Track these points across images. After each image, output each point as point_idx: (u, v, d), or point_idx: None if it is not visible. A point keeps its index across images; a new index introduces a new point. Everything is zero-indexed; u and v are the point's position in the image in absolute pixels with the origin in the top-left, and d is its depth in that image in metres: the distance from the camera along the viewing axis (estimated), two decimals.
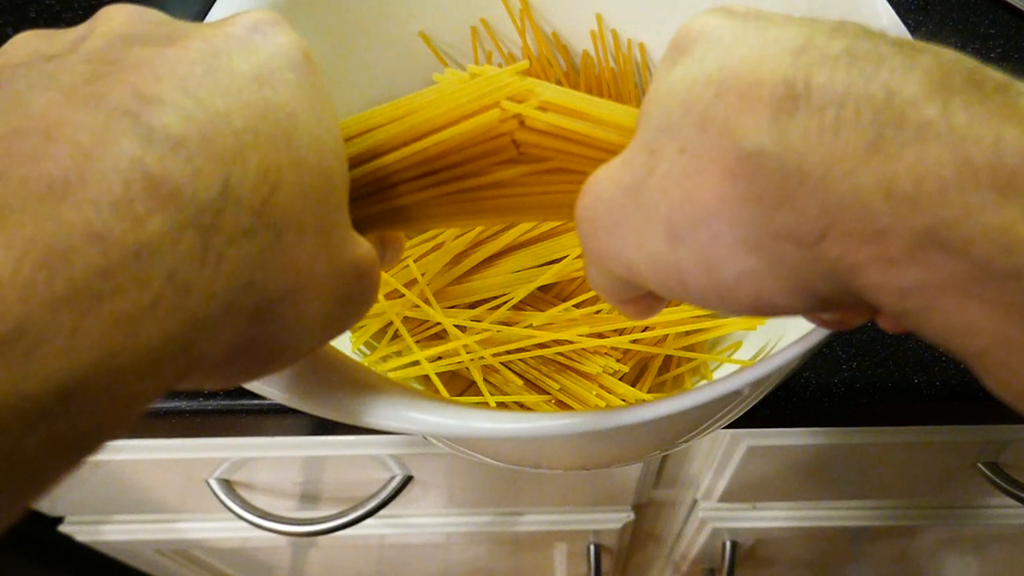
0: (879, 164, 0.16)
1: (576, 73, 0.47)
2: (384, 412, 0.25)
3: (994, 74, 0.16)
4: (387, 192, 0.24)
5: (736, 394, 0.26)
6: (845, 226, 0.16)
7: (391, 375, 0.39)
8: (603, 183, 0.21)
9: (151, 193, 0.15)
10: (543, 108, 0.23)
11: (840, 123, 0.16)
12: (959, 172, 0.15)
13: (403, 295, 0.41)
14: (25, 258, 0.13)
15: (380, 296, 0.42)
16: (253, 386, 0.25)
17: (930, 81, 0.16)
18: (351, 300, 0.21)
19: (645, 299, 0.23)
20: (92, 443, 0.15)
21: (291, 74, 0.19)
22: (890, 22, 0.31)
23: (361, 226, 0.23)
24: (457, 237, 0.42)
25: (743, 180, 0.17)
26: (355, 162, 0.24)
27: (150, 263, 0.15)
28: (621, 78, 0.46)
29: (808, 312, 0.19)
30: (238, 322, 0.17)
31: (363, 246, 0.21)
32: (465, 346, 0.39)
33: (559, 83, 0.47)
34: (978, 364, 0.17)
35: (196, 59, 0.17)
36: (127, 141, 0.15)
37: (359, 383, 0.26)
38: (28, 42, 0.18)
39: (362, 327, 0.41)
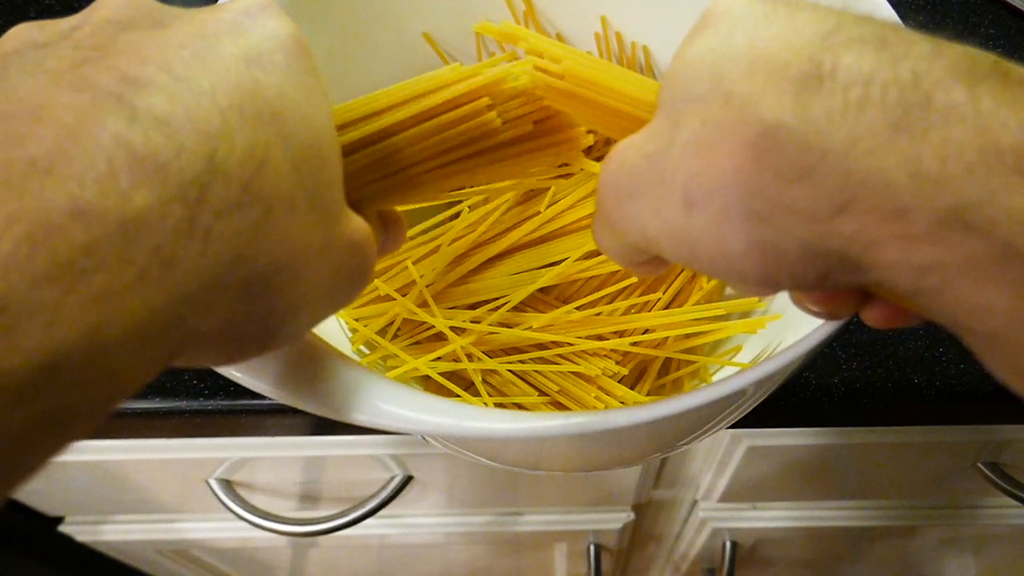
0: (905, 144, 0.16)
1: None
2: (382, 411, 0.25)
3: (1017, 67, 0.17)
4: (382, 168, 0.24)
5: (735, 396, 0.26)
6: (865, 202, 0.16)
7: (390, 375, 0.39)
8: (628, 151, 0.21)
9: (135, 169, 0.15)
10: (559, 75, 0.24)
11: (865, 102, 0.17)
12: (985, 155, 0.15)
13: (403, 295, 0.41)
14: (6, 234, 0.13)
15: (383, 290, 0.42)
16: (252, 385, 0.25)
17: (957, 67, 0.16)
18: (347, 276, 0.21)
19: (652, 261, 0.24)
20: (81, 421, 0.15)
21: (281, 55, 0.19)
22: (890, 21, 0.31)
23: (359, 204, 0.23)
24: (454, 241, 0.42)
25: (762, 153, 0.17)
26: (349, 143, 0.24)
27: (135, 238, 0.15)
28: None
29: (806, 290, 0.19)
30: (229, 297, 0.17)
31: (358, 223, 0.22)
32: (467, 353, 0.39)
33: None
34: (988, 346, 0.17)
35: (184, 42, 0.17)
36: (111, 120, 0.15)
37: (356, 382, 0.26)
38: (23, 32, 0.18)
39: (365, 326, 0.41)
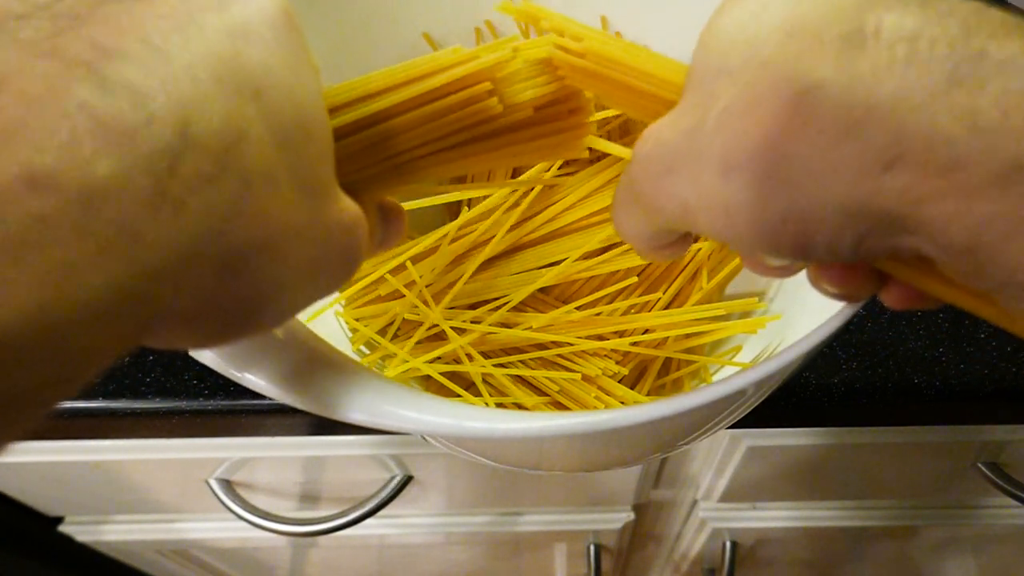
0: (961, 97, 0.16)
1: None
2: (382, 411, 0.25)
3: None
4: (378, 153, 0.24)
5: (735, 396, 0.26)
6: (918, 157, 0.16)
7: (389, 374, 0.39)
8: (663, 129, 0.21)
9: (100, 137, 0.14)
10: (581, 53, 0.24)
11: (913, 57, 0.17)
12: None
13: (403, 296, 0.41)
14: None
15: (383, 290, 0.42)
16: (252, 385, 0.25)
17: (1005, 23, 0.17)
18: (334, 259, 0.21)
19: (674, 244, 0.24)
20: (39, 400, 0.14)
21: (267, 30, 0.18)
22: None
23: (354, 190, 0.23)
24: (454, 240, 0.42)
25: (804, 112, 0.17)
26: (343, 126, 0.23)
27: (97, 209, 0.14)
28: None
29: (840, 258, 0.19)
30: (204, 274, 0.16)
31: (348, 205, 0.21)
32: (467, 354, 0.39)
33: None
34: None
35: (166, 13, 0.17)
36: (79, 88, 0.15)
37: (356, 382, 0.26)
38: (2, 4, 0.17)
39: (365, 326, 0.41)
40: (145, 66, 0.15)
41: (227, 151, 0.16)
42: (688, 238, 0.25)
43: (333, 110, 0.23)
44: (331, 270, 0.21)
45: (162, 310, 0.16)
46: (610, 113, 0.43)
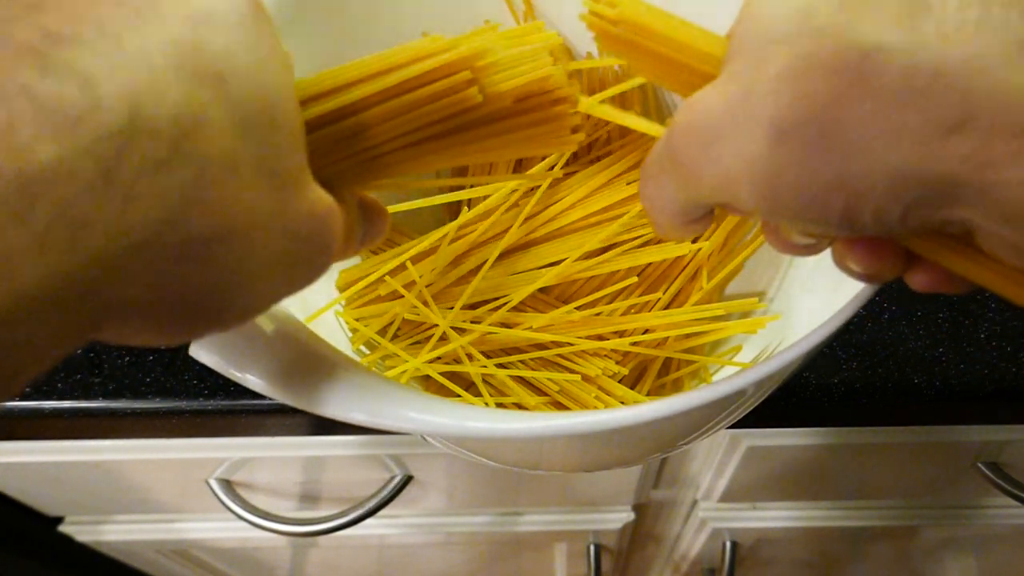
0: None
1: (579, 74, 0.47)
2: (382, 411, 0.25)
3: None
4: (353, 145, 0.23)
5: (735, 396, 0.26)
6: (986, 120, 0.16)
7: (389, 375, 0.39)
8: (708, 97, 0.21)
9: (41, 122, 0.14)
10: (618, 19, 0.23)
11: (984, 21, 0.16)
12: None
13: (403, 296, 0.41)
14: None
15: (383, 290, 0.42)
16: (251, 385, 0.25)
17: None
18: (306, 251, 0.20)
19: (701, 219, 0.24)
20: None
21: (232, 17, 0.18)
22: None
23: (331, 183, 0.22)
24: (454, 240, 0.42)
25: (865, 76, 0.17)
26: (317, 117, 0.23)
27: (36, 196, 0.14)
28: (625, 80, 0.46)
29: (885, 229, 0.19)
30: (160, 264, 0.16)
31: (320, 195, 0.21)
32: (467, 354, 0.39)
33: None
34: None
35: (124, 0, 0.16)
36: (21, 73, 0.14)
37: (356, 382, 0.26)
38: None
39: (365, 326, 0.41)
40: (96, 52, 0.15)
41: (182, 137, 0.16)
42: (711, 215, 0.24)
43: (306, 101, 0.22)
44: (301, 262, 0.20)
45: (114, 301, 0.16)
46: (634, 83, 0.42)
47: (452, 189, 0.45)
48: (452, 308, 0.41)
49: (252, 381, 0.25)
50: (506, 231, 0.42)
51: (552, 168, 0.43)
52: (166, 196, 0.15)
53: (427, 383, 0.41)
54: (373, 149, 0.23)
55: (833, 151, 0.18)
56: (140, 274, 0.16)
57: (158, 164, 0.15)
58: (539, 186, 0.42)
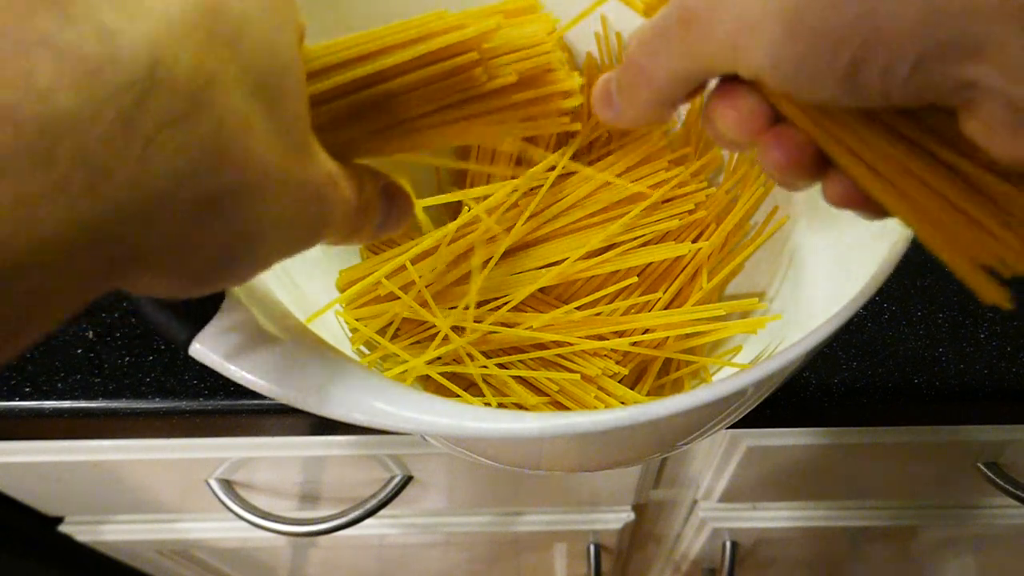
0: None
1: (580, 75, 0.47)
2: (382, 411, 0.25)
3: None
4: (362, 117, 0.24)
5: (735, 396, 0.26)
6: None
7: (389, 375, 0.39)
8: None
9: (61, 70, 0.14)
10: None
11: None
12: None
13: (405, 296, 0.41)
14: None
15: (383, 290, 0.42)
16: (251, 384, 0.25)
17: None
18: (310, 213, 0.21)
19: (673, 105, 0.24)
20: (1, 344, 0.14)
21: None
22: None
23: (340, 153, 0.23)
24: (453, 241, 0.42)
25: None
26: (324, 91, 0.23)
27: (57, 141, 0.14)
28: None
29: (892, 87, 0.19)
30: (179, 214, 0.16)
31: (324, 160, 0.21)
32: (467, 354, 0.39)
33: None
34: None
35: None
36: (42, 21, 0.14)
37: (356, 382, 0.26)
38: None
39: (365, 326, 0.41)
40: (115, 5, 0.15)
41: (200, 92, 0.16)
42: (685, 100, 0.24)
43: (314, 74, 0.23)
44: (306, 225, 0.21)
45: (133, 251, 0.16)
46: None
47: (454, 183, 0.45)
48: (453, 308, 0.41)
49: (252, 381, 0.25)
50: (509, 229, 0.42)
51: (552, 168, 0.43)
52: (186, 149, 0.16)
53: (427, 383, 0.41)
54: (378, 123, 0.24)
55: None
56: (159, 225, 0.16)
57: (178, 116, 0.16)
58: (540, 186, 0.42)
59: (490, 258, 0.41)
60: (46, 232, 0.14)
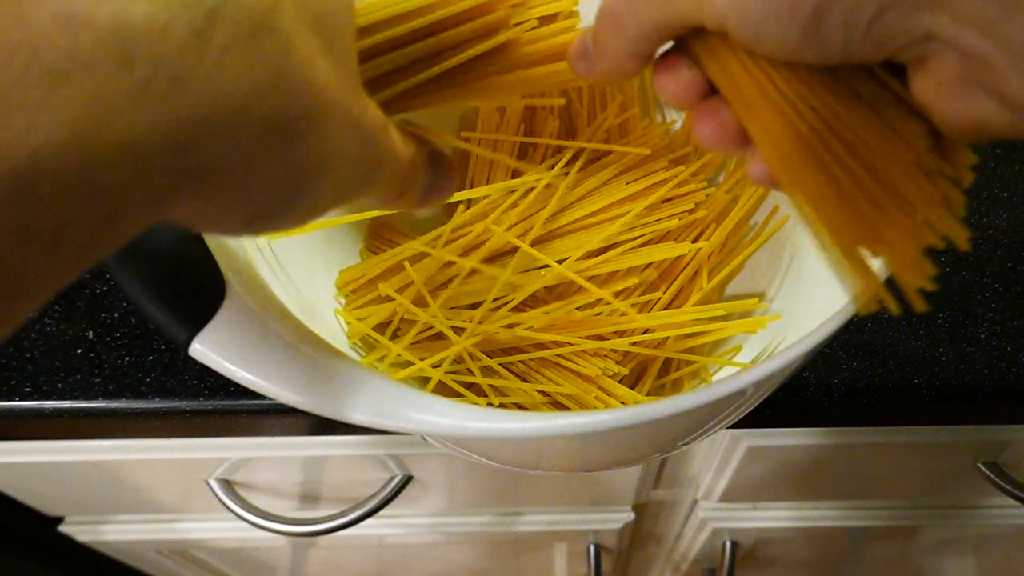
0: None
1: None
2: (382, 411, 0.25)
3: None
4: (398, 74, 0.24)
5: (735, 396, 0.26)
6: None
7: (395, 376, 0.39)
8: None
9: None
10: None
11: None
12: None
13: (404, 294, 0.41)
14: None
15: (382, 291, 0.42)
16: (251, 384, 0.25)
17: None
18: (368, 152, 0.21)
19: (647, 57, 0.24)
20: (70, 246, 0.14)
21: None
22: None
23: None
24: (451, 242, 0.42)
25: None
26: (363, 47, 0.24)
27: (134, 47, 0.14)
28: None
29: (847, 41, 0.20)
30: (251, 132, 0.16)
31: (373, 107, 0.21)
32: (469, 354, 0.39)
33: None
34: None
35: None
36: None
37: (356, 382, 0.26)
38: None
39: (363, 319, 0.41)
40: None
41: (266, 13, 0.16)
42: (653, 55, 0.25)
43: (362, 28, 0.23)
44: (363, 166, 0.21)
45: (202, 166, 0.16)
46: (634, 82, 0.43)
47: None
48: (452, 308, 0.41)
49: (252, 381, 0.25)
50: (506, 230, 0.42)
51: (552, 168, 0.43)
52: (255, 68, 0.16)
53: (426, 382, 0.41)
54: (415, 81, 0.24)
55: None
56: (229, 142, 0.16)
57: (247, 35, 0.16)
58: (534, 188, 0.42)
59: (484, 260, 0.41)
60: (123, 131, 0.14)
